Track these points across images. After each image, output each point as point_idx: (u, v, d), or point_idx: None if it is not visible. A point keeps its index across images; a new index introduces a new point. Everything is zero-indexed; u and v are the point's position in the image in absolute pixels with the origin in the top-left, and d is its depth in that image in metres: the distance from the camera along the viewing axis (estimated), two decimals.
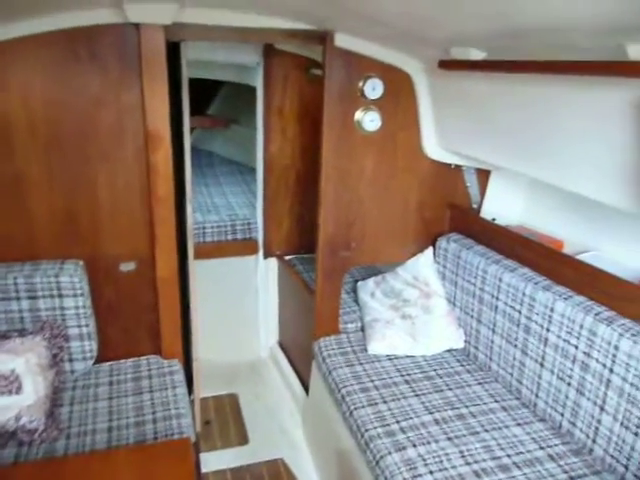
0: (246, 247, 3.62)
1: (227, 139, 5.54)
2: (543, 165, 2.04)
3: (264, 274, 3.66)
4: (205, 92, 5.45)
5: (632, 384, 1.79)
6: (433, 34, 1.96)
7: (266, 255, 3.62)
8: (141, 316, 2.55)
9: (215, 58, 3.34)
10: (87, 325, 2.32)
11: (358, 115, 2.50)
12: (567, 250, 2.50)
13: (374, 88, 2.45)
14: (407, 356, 2.64)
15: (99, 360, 2.44)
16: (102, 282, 2.44)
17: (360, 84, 2.45)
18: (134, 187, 2.36)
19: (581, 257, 2.30)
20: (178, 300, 2.56)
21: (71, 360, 2.34)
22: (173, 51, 2.42)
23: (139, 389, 2.32)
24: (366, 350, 2.68)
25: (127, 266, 2.46)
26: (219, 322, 3.52)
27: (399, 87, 2.53)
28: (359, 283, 3.05)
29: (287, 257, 3.60)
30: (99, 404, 2.22)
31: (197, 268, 2.80)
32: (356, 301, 3.03)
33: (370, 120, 2.50)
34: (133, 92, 2.24)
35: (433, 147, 2.63)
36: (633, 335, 1.81)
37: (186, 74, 2.53)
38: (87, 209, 2.34)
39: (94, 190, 2.33)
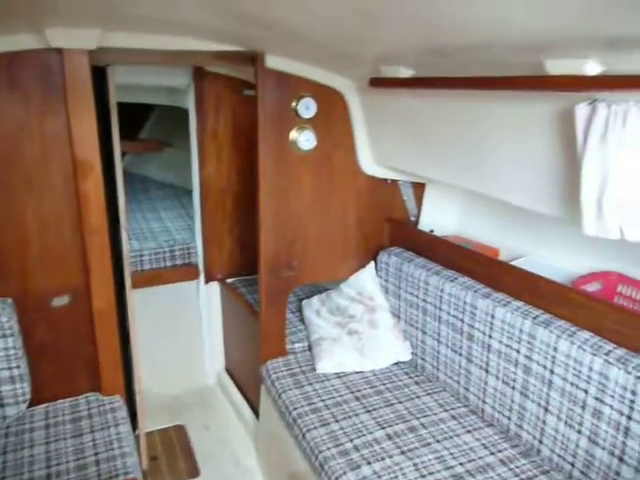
0: (186, 273, 3.53)
1: (161, 162, 5.42)
2: (474, 177, 2.10)
3: (206, 299, 3.58)
4: (137, 116, 5.32)
5: (572, 383, 1.86)
6: (362, 53, 2.00)
7: (208, 279, 3.55)
8: (78, 352, 2.42)
9: (144, 82, 3.27)
10: (18, 367, 2.18)
11: (293, 135, 2.50)
12: (503, 257, 2.59)
13: (308, 107, 2.46)
14: (356, 372, 2.64)
15: (33, 403, 2.29)
16: (33, 319, 2.30)
17: (294, 104, 2.46)
18: (64, 217, 2.26)
19: (516, 263, 2.38)
20: (117, 332, 2.45)
21: (2, 405, 2.19)
22: (100, 75, 2.35)
23: (79, 430, 2.20)
24: (314, 369, 2.65)
25: (60, 300, 2.33)
26: (162, 352, 3.40)
27: (333, 106, 2.55)
28: (304, 302, 3.03)
29: (229, 280, 3.54)
30: (35, 450, 2.08)
31: (136, 297, 2.69)
32: (302, 320, 3.01)
33: (305, 139, 2.51)
34: (59, 119, 2.15)
35: (369, 163, 2.67)
36: (569, 336, 1.87)
37: (114, 99, 2.46)
38: (14, 242, 2.21)
39: (21, 222, 2.20)
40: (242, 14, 1.67)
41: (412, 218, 2.93)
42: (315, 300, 2.98)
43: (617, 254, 2.11)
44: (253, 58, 2.36)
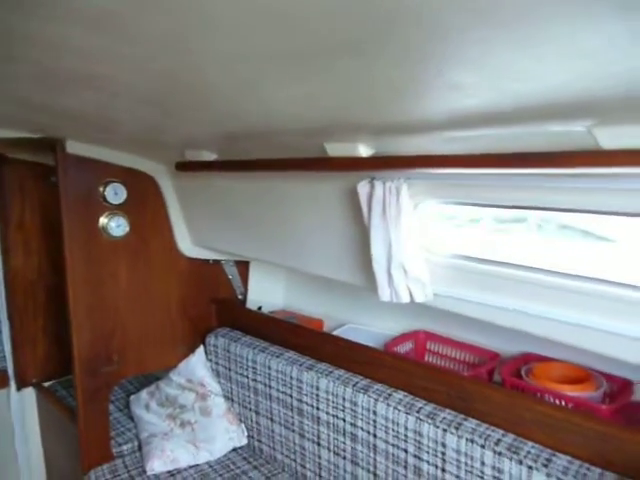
0: None
1: None
2: (285, 253, 2.17)
3: (19, 409, 3.15)
4: None
5: (393, 444, 1.92)
6: (166, 139, 2.01)
7: (20, 386, 3.14)
8: None
9: None
10: None
11: (103, 221, 2.39)
12: (327, 327, 2.66)
13: (116, 193, 2.38)
14: (190, 467, 2.47)
15: None
16: None
17: (101, 189, 2.37)
18: None
19: (338, 332, 2.47)
20: None
21: None
22: None
23: None
24: (145, 471, 2.43)
25: None
26: None
27: (144, 190, 2.51)
28: (132, 397, 2.81)
29: (47, 384, 3.17)
30: None
31: None
32: (131, 417, 2.78)
33: (116, 225, 2.41)
34: None
35: (188, 245, 2.64)
36: (385, 398, 1.95)
37: None
38: None
39: None
40: (36, 105, 1.60)
41: (240, 296, 2.92)
42: (144, 394, 2.77)
43: (424, 313, 2.28)
44: (53, 145, 2.24)
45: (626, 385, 1.75)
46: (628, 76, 0.80)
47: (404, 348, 2.26)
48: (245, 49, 0.88)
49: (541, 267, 1.51)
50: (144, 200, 2.52)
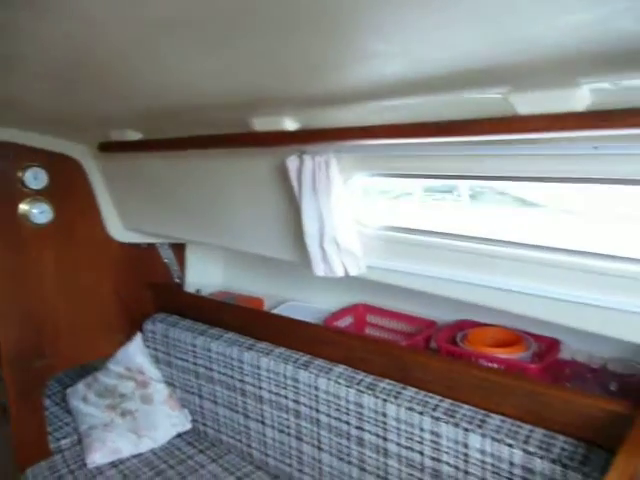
0: None
1: None
2: (220, 233, 2.13)
3: None
4: None
5: (336, 418, 1.93)
6: (83, 119, 1.90)
7: None
8: None
9: None
10: None
11: (23, 208, 2.26)
12: (267, 305, 2.65)
13: (36, 177, 2.25)
14: (133, 456, 2.41)
15: None
16: None
17: (19, 174, 2.23)
18: None
19: (278, 310, 2.45)
20: None
21: None
22: None
23: None
24: (85, 465, 2.36)
25: None
26: None
27: (68, 174, 2.38)
28: (68, 390, 2.71)
29: None
30: None
31: None
32: (69, 411, 2.68)
33: (39, 212, 2.28)
34: None
35: (119, 230, 2.54)
36: (326, 373, 1.96)
37: None
38: None
39: None
40: None
41: (177, 280, 2.85)
42: (81, 386, 2.68)
43: (363, 286, 2.30)
44: None
45: (553, 344, 1.82)
46: (533, 41, 0.81)
47: (344, 322, 2.27)
48: (154, 17, 0.83)
49: (471, 235, 1.54)
50: (69, 184, 2.40)
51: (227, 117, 1.57)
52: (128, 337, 2.66)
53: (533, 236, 1.49)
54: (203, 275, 2.87)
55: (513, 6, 0.68)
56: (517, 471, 1.53)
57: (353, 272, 1.66)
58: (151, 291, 2.73)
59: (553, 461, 1.46)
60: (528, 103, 1.03)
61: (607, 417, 1.43)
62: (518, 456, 1.52)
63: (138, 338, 2.64)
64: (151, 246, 2.72)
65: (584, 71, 0.94)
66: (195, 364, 2.42)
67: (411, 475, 1.76)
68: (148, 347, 2.64)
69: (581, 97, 0.99)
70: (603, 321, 1.36)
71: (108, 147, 2.05)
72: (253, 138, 1.53)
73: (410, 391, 1.80)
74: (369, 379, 1.89)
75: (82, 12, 0.83)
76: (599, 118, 0.98)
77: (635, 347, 1.58)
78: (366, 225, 1.68)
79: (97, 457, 2.37)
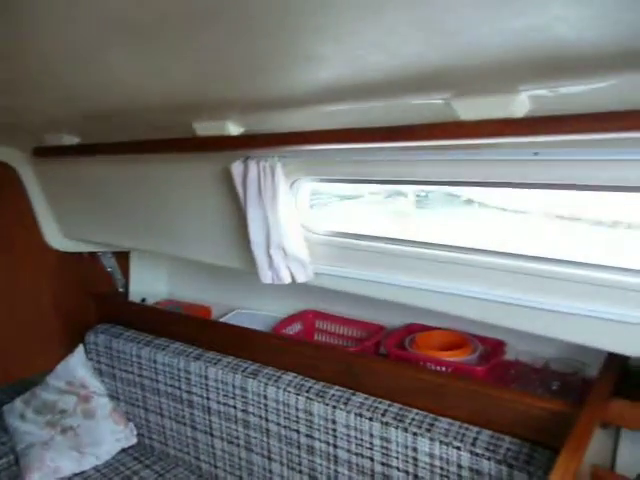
0: None
1: None
2: (166, 240, 2.06)
3: None
4: None
5: (285, 427, 1.90)
6: (19, 122, 1.81)
7: None
8: None
9: None
10: None
11: None
12: (216, 314, 2.59)
13: None
14: (75, 474, 2.30)
15: None
16: None
17: None
18: None
19: (226, 318, 2.41)
20: None
21: None
22: None
23: None
24: None
25: None
26: None
27: (2, 180, 2.26)
28: (4, 408, 2.56)
29: None
30: None
31: None
32: (6, 429, 2.54)
33: None
34: None
35: (57, 238, 2.43)
36: (275, 381, 1.93)
37: None
38: None
39: None
40: None
41: (121, 289, 2.76)
42: (18, 402, 2.54)
43: (312, 293, 2.28)
44: None
45: (498, 346, 1.86)
46: (475, 46, 0.81)
47: (293, 329, 2.25)
48: (90, 16, 0.79)
49: (416, 240, 1.55)
50: (2, 191, 2.28)
51: (169, 121, 1.52)
52: (69, 350, 2.54)
53: (479, 240, 1.51)
54: (148, 284, 2.78)
55: (456, 11, 0.67)
56: (465, 473, 1.54)
57: (301, 279, 1.64)
58: (93, 301, 2.63)
59: (499, 462, 1.48)
60: (470, 109, 1.04)
61: (550, 416, 1.46)
62: (466, 458, 1.53)
63: (80, 350, 2.53)
64: (93, 255, 2.61)
65: (523, 78, 0.96)
66: (140, 376, 2.34)
67: None
68: (91, 360, 2.53)
69: (520, 103, 1.01)
70: (546, 323, 1.39)
71: (43, 152, 1.96)
72: (196, 143, 1.49)
73: (359, 397, 1.79)
74: (318, 386, 1.87)
75: (16, 10, 0.78)
76: (537, 124, 1.00)
77: (575, 346, 1.62)
78: (313, 231, 1.67)
79: (36, 477, 2.25)
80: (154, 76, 1.07)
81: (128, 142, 1.69)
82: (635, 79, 0.90)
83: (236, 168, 1.54)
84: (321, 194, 1.82)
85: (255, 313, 2.49)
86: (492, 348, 1.87)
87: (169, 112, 1.43)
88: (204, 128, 1.46)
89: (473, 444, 1.54)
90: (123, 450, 2.44)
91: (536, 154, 1.16)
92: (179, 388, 2.20)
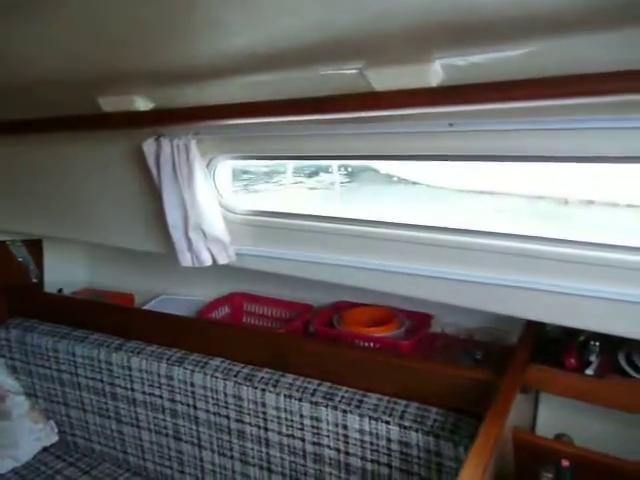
0: None
1: None
2: (80, 225, 1.94)
3: None
4: None
5: (214, 413, 1.85)
6: None
7: None
8: None
9: None
10: None
11: None
12: (139, 301, 2.48)
13: None
14: None
15: None
16: None
17: None
18: None
19: (151, 305, 2.31)
20: None
21: None
22: None
23: None
24: None
25: None
26: None
27: None
28: None
29: None
30: None
31: None
32: None
33: None
34: None
35: None
36: (202, 368, 1.87)
37: None
38: None
39: None
40: None
41: (35, 280, 2.58)
42: None
43: (240, 275, 2.21)
44: None
45: (425, 319, 1.88)
46: (386, 10, 0.78)
47: (220, 313, 2.19)
48: None
49: (338, 216, 1.52)
50: None
51: (69, 97, 1.40)
52: None
53: (403, 215, 1.50)
54: (65, 273, 2.62)
55: None
56: (395, 446, 1.55)
57: (222, 260, 1.58)
58: (3, 294, 2.44)
59: (427, 433, 1.50)
60: (384, 79, 1.01)
61: (473, 385, 1.49)
62: (395, 432, 1.54)
63: None
64: (1, 244, 2.42)
65: (436, 46, 0.94)
66: (58, 370, 2.21)
67: (294, 462, 1.74)
68: (3, 356, 2.36)
69: (434, 72, 0.99)
70: (471, 295, 1.40)
71: None
72: (102, 120, 1.39)
73: (288, 378, 1.76)
74: (247, 370, 1.82)
75: None
76: (452, 93, 0.99)
77: (496, 316, 1.66)
78: (233, 210, 1.61)
79: None
80: (37, 45, 0.97)
81: (25, 120, 1.55)
82: (544, 47, 0.90)
83: (148, 147, 1.45)
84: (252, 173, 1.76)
85: (181, 298, 2.41)
86: (419, 322, 1.89)
87: (66, 87, 1.31)
88: (110, 103, 1.36)
89: (401, 417, 1.55)
90: (44, 449, 2.31)
91: (451, 125, 1.16)
92: (101, 381, 2.10)
